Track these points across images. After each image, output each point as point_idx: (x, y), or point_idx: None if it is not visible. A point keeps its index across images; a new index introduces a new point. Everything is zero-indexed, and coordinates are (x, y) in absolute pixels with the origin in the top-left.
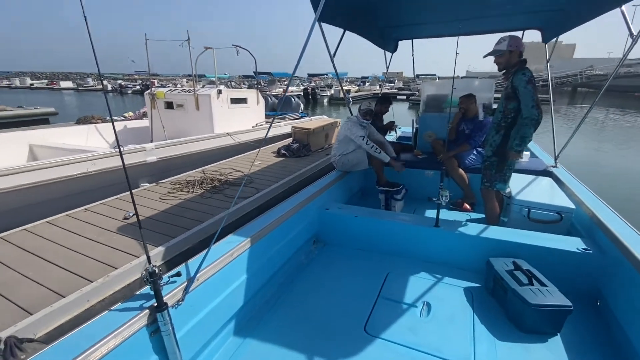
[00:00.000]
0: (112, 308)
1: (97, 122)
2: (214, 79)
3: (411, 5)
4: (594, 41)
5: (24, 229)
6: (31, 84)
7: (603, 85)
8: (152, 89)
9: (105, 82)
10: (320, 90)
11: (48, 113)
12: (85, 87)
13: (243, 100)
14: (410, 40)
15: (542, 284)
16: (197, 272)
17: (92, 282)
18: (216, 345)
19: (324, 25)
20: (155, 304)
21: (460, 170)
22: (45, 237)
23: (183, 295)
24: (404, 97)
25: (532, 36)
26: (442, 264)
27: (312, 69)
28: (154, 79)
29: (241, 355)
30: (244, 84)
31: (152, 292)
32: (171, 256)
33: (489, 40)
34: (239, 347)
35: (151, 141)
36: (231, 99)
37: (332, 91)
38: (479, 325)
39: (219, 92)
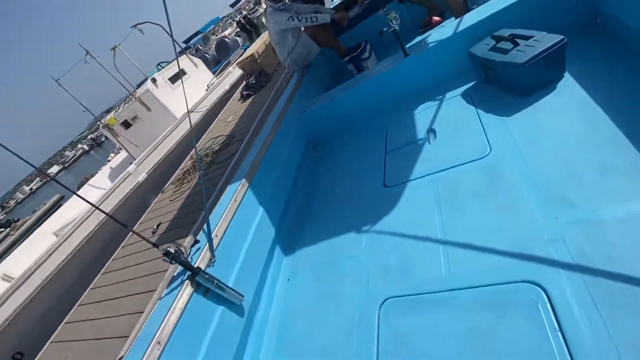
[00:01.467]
0: (162, 295)
1: (90, 179)
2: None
3: None
4: None
5: (90, 289)
6: (31, 189)
7: None
8: (103, 120)
9: (80, 145)
10: (253, 13)
11: (56, 201)
12: (69, 161)
13: (181, 73)
14: None
15: (528, 38)
16: (210, 231)
17: (156, 290)
18: (274, 271)
19: None
20: (190, 273)
21: None
22: (107, 284)
23: (212, 253)
24: None
25: None
26: (430, 86)
27: None
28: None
29: (299, 264)
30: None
31: (181, 267)
32: (196, 232)
33: None
34: (294, 260)
35: (130, 164)
36: (169, 79)
37: (264, 4)
38: (485, 116)
39: (153, 80)
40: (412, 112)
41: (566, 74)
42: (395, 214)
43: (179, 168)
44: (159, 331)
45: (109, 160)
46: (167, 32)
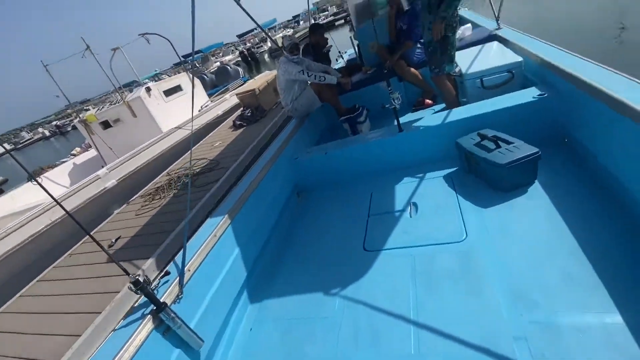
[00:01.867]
0: (117, 326)
1: (47, 170)
2: (146, 81)
3: None
4: None
5: (20, 296)
6: None
7: None
8: (82, 115)
9: (40, 129)
10: (257, 48)
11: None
12: (23, 142)
13: (177, 88)
14: None
15: (509, 143)
16: (184, 264)
17: (100, 312)
18: (237, 317)
19: None
20: (154, 308)
21: (411, 69)
22: (43, 294)
23: (180, 289)
24: (342, 20)
25: None
26: (418, 164)
27: (239, 29)
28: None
29: (264, 314)
30: (179, 72)
31: (146, 299)
32: (165, 261)
33: None
34: (260, 309)
35: (102, 167)
36: (164, 91)
37: (269, 44)
38: (464, 203)
39: (148, 89)
40: (398, 182)
41: (536, 182)
42: (372, 280)
43: (152, 182)
44: None
45: (72, 155)
46: (175, 51)
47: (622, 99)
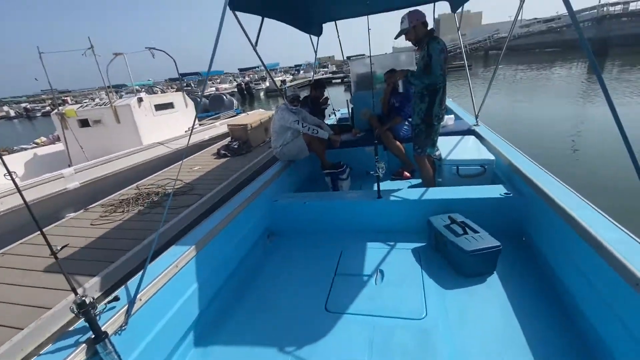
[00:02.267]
0: (42, 352)
1: (3, 154)
2: (137, 87)
3: None
4: (496, 5)
5: None
6: None
7: (509, 45)
8: (61, 107)
9: (6, 107)
10: (255, 84)
11: None
12: None
13: (169, 105)
14: (334, 23)
15: (475, 231)
16: (137, 292)
17: (22, 329)
18: None
19: (242, 14)
20: (93, 336)
21: (397, 142)
22: None
23: (125, 319)
24: (339, 80)
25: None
26: (390, 232)
27: (242, 64)
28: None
29: None
30: (171, 88)
31: (85, 324)
32: (113, 282)
33: None
34: (203, 355)
35: (69, 165)
36: (155, 105)
37: (267, 83)
38: (428, 280)
39: (140, 100)
40: (369, 246)
41: (495, 272)
42: (329, 344)
43: (118, 193)
44: None
45: (35, 143)
46: (177, 69)
47: (571, 213)
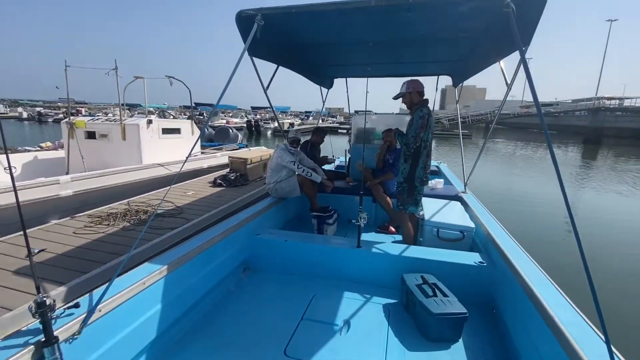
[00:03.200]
0: None
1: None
2: (150, 109)
3: (339, 48)
4: (500, 83)
5: None
6: None
7: (510, 122)
8: (71, 117)
9: (20, 109)
10: (264, 123)
11: None
12: None
13: (176, 131)
14: (345, 79)
15: (445, 295)
16: (98, 302)
17: None
18: None
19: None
20: (43, 339)
21: (386, 196)
22: None
23: (80, 328)
24: (344, 131)
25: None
26: (364, 283)
27: (256, 102)
28: (82, 107)
29: None
30: (184, 114)
31: (40, 326)
32: (80, 293)
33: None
34: None
35: (67, 173)
36: (163, 129)
37: (276, 124)
38: (392, 338)
39: (149, 122)
40: (341, 294)
41: (460, 340)
42: None
43: (107, 206)
44: None
45: (39, 147)
46: (190, 99)
47: (533, 289)
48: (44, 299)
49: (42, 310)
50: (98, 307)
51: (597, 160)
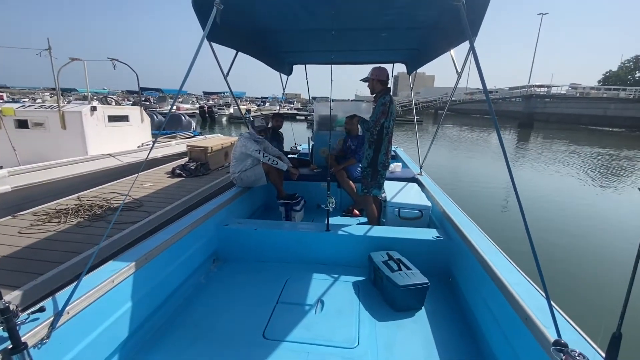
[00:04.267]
0: None
1: None
2: (88, 94)
3: (299, 34)
4: (447, 71)
5: None
6: None
7: (456, 108)
8: None
9: None
10: (219, 109)
11: None
12: None
13: (124, 118)
14: (304, 65)
15: (408, 268)
16: (65, 305)
17: None
18: None
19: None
20: (11, 346)
21: (350, 181)
22: None
23: (49, 332)
24: (303, 117)
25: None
26: (334, 264)
27: (209, 87)
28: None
29: None
30: (127, 100)
31: (5, 334)
32: (40, 296)
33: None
34: None
35: (0, 167)
36: (109, 116)
37: (232, 110)
38: (363, 312)
39: (93, 108)
40: (313, 276)
41: (423, 308)
42: None
43: (54, 202)
44: None
45: None
46: (138, 84)
47: (485, 257)
48: (7, 305)
49: (7, 317)
50: (66, 309)
51: (530, 142)
